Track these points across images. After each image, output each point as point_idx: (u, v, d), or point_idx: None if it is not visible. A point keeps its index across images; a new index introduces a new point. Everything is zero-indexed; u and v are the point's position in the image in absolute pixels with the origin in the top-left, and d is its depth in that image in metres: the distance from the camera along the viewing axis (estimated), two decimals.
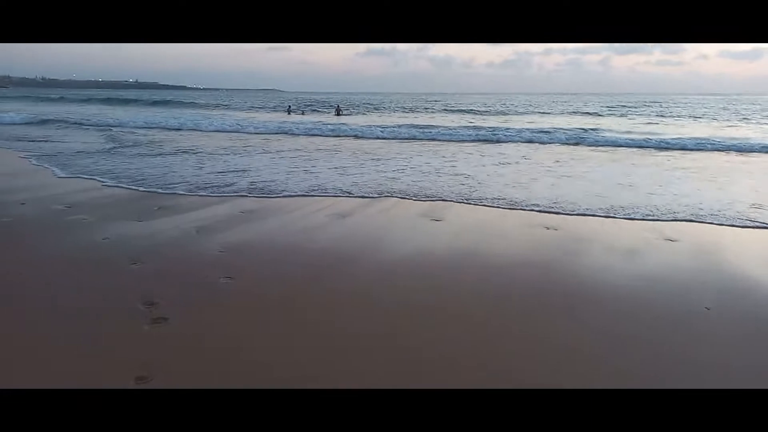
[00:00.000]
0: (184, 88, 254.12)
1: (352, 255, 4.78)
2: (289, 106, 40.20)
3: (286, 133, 19.25)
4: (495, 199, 7.28)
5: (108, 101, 48.21)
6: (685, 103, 50.42)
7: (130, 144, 14.62)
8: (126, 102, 47.28)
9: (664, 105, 47.14)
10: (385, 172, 9.65)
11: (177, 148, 13.59)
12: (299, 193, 7.62)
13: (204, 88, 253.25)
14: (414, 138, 17.36)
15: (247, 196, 7.39)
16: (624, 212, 6.49)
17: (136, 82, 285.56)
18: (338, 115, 34.27)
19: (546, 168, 10.64)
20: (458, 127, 21.35)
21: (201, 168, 10.05)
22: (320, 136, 18.28)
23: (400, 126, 21.11)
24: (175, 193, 7.60)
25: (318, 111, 38.55)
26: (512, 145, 15.91)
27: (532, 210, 6.63)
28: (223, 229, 5.57)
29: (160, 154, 12.29)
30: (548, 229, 5.78)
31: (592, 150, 14.51)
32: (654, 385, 2.71)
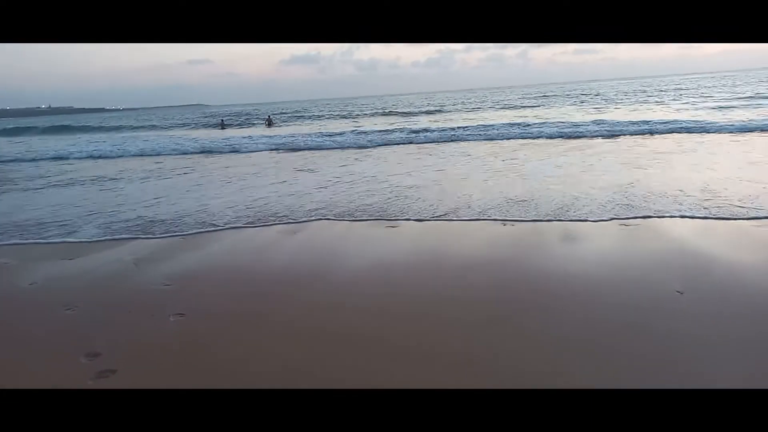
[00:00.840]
0: (102, 110, 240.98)
1: (306, 277, 4.51)
2: (222, 121, 38.99)
3: (212, 152, 17.88)
4: (442, 207, 7.19)
5: (10, 131, 44.15)
6: (599, 91, 52.89)
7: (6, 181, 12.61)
8: (29, 130, 43.61)
9: (583, 92, 49.45)
10: (326, 186, 9.40)
11: (64, 180, 11.99)
12: (248, 217, 7.24)
13: (124, 109, 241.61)
14: (347, 146, 16.86)
15: (181, 234, 6.95)
16: (577, 208, 6.57)
17: (49, 107, 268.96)
18: (269, 126, 33.59)
19: (482, 164, 10.73)
20: (392, 129, 21.31)
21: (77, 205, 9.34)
22: (257, 151, 17.21)
23: (336, 133, 20.72)
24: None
25: (246, 124, 37.36)
26: (447, 144, 16.03)
27: (487, 216, 6.59)
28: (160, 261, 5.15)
29: (34, 189, 10.76)
30: (505, 225, 5.74)
31: (524, 143, 14.81)
32: (638, 371, 2.64)
